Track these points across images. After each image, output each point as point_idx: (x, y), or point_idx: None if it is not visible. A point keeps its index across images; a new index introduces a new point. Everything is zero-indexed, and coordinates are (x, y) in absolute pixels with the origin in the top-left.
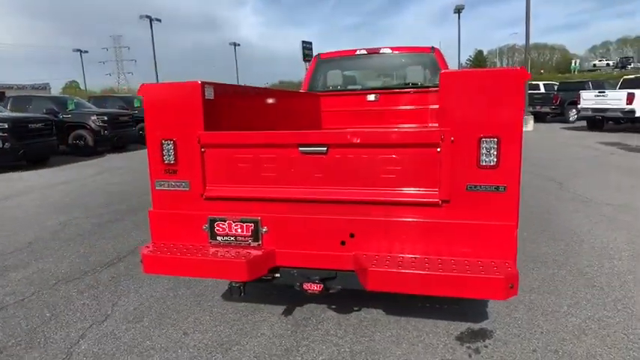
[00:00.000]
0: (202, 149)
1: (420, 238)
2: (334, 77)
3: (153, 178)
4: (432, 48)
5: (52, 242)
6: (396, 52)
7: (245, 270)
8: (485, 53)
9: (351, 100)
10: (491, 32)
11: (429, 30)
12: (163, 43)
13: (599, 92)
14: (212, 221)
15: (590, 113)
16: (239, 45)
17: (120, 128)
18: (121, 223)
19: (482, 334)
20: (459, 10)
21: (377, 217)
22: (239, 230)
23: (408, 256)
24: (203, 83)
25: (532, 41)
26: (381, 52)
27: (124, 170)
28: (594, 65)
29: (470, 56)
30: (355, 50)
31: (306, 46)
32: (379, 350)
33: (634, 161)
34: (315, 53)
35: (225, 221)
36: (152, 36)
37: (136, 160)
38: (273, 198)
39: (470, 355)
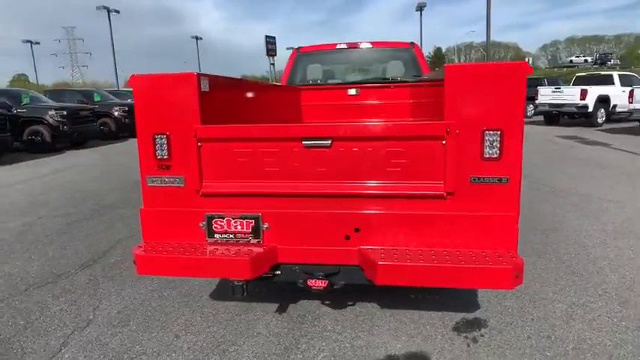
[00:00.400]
0: (199, 144)
1: (425, 231)
2: (314, 71)
3: (144, 174)
4: (412, 43)
5: (17, 245)
6: (376, 47)
7: (248, 268)
8: (443, 50)
9: (332, 94)
10: (449, 30)
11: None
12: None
13: (556, 88)
14: (210, 218)
15: (547, 108)
16: (201, 39)
17: (80, 124)
18: (91, 222)
19: (478, 324)
20: (420, 8)
21: (382, 210)
22: (238, 227)
23: (414, 249)
24: (199, 75)
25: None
26: (361, 46)
27: (87, 167)
28: (571, 61)
29: (430, 53)
30: (335, 44)
31: (270, 41)
32: (379, 344)
33: (592, 153)
34: (278, 48)
35: (223, 218)
36: (110, 28)
37: (99, 157)
38: (275, 193)
39: (468, 345)
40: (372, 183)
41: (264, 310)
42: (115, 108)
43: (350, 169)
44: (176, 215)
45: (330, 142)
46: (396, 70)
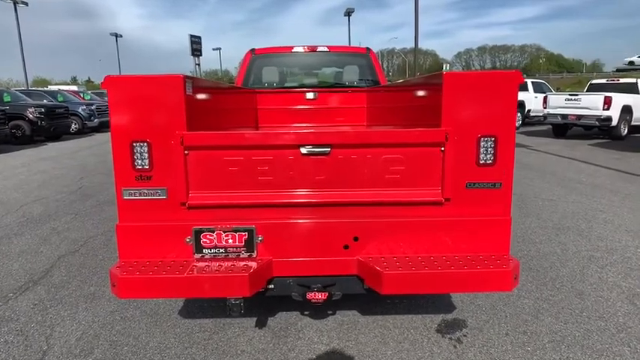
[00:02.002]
0: (186, 152)
1: (423, 237)
2: (270, 74)
3: (119, 186)
4: (367, 49)
5: None
6: (333, 51)
7: (247, 284)
8: None
9: (289, 98)
10: (372, 36)
11: (315, 30)
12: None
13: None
14: (197, 232)
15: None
16: (121, 36)
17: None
18: (21, 237)
19: (458, 324)
20: (349, 13)
21: (381, 218)
22: (230, 241)
23: (413, 255)
24: (185, 77)
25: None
26: (318, 50)
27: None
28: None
29: None
30: (292, 47)
31: (195, 41)
32: (370, 352)
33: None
34: (203, 48)
35: (213, 232)
36: (17, 22)
37: (22, 162)
38: (270, 203)
39: (455, 346)
40: (372, 190)
41: (242, 325)
42: (30, 109)
43: (349, 176)
44: (158, 230)
45: (329, 149)
46: (353, 74)
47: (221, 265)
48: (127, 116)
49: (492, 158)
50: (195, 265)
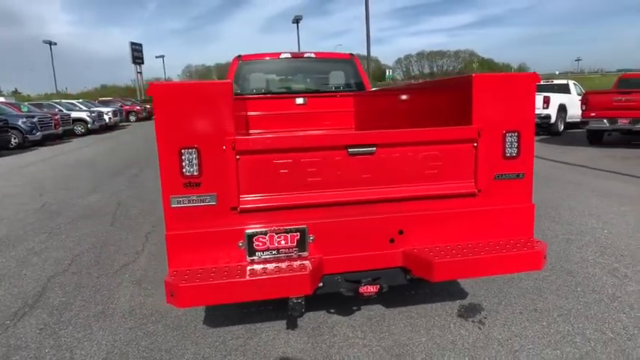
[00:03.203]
0: (237, 157)
1: (459, 227)
2: (257, 80)
3: (167, 194)
4: (351, 55)
5: None
6: (320, 57)
7: (309, 283)
8: None
9: (279, 104)
10: (316, 43)
11: (258, 37)
12: None
13: None
14: (250, 236)
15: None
16: (55, 44)
17: None
18: None
19: (475, 308)
20: (297, 20)
21: (422, 211)
22: (282, 242)
23: (453, 244)
24: (231, 82)
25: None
26: (305, 56)
27: None
28: None
29: None
30: (279, 53)
31: (136, 48)
32: (405, 341)
33: None
34: (145, 56)
35: (265, 234)
36: None
37: None
38: (320, 203)
39: (479, 327)
40: (413, 186)
41: (273, 328)
42: None
43: (392, 174)
44: (209, 237)
45: (374, 148)
46: (339, 79)
47: (278, 266)
48: (174, 123)
49: (516, 151)
50: (253, 269)
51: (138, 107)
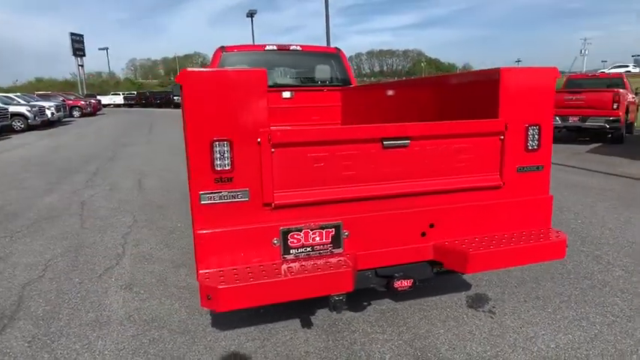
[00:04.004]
0: (272, 150)
1: (484, 219)
2: None
3: (196, 190)
4: (337, 49)
5: None
6: (306, 50)
7: (351, 280)
8: None
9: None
10: (266, 38)
11: (209, 31)
12: None
13: None
14: (285, 233)
15: None
16: None
17: None
18: None
19: (483, 299)
20: (251, 14)
21: (452, 204)
22: (317, 238)
23: (481, 237)
24: (266, 71)
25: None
26: (291, 48)
27: None
28: None
29: None
30: (264, 45)
31: (76, 39)
32: (425, 334)
33: None
34: (86, 47)
35: (300, 231)
36: None
37: None
38: (355, 198)
39: (491, 317)
40: (444, 179)
41: (288, 328)
42: None
43: (425, 167)
44: (241, 235)
45: (408, 141)
46: (325, 73)
47: (316, 264)
48: (206, 113)
49: (537, 144)
50: (290, 267)
51: (82, 102)
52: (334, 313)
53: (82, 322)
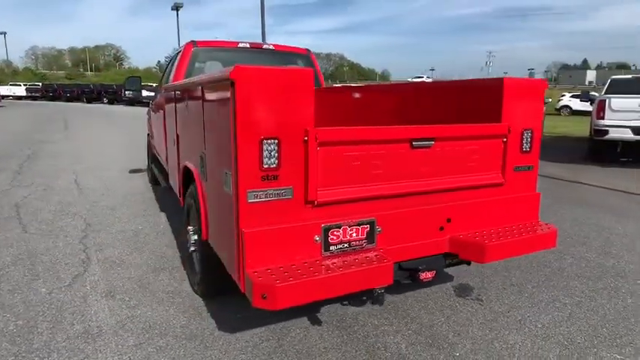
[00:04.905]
0: (318, 148)
1: (488, 214)
2: (214, 68)
3: (244, 188)
4: (308, 50)
5: None
6: (278, 50)
7: (392, 272)
8: None
9: None
10: (189, 34)
11: (120, 20)
12: None
13: None
14: (326, 230)
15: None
16: None
17: None
18: None
19: (467, 288)
20: (177, 7)
21: (464, 200)
22: (353, 235)
23: (487, 230)
24: (313, 70)
25: None
26: (264, 47)
27: None
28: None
29: (169, 54)
30: (237, 42)
31: None
32: (429, 323)
33: None
34: None
35: (340, 227)
36: None
37: None
38: (386, 195)
39: (480, 304)
40: (459, 177)
41: (298, 326)
42: None
43: (444, 165)
44: (286, 232)
45: (433, 142)
46: None
47: (357, 259)
48: (257, 111)
49: (530, 146)
50: (334, 263)
51: None
52: (379, 304)
53: (69, 336)
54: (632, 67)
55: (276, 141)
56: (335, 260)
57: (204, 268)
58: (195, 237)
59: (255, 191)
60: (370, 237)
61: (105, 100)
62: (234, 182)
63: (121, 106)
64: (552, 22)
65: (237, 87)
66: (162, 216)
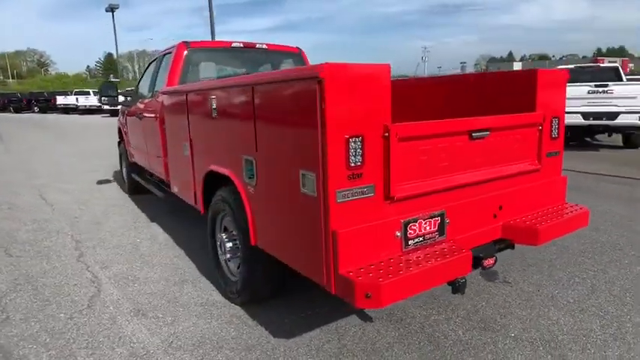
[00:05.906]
0: (398, 144)
1: (529, 199)
2: (208, 70)
3: (333, 189)
4: (299, 49)
5: None
6: (271, 49)
7: (470, 262)
8: (115, 57)
9: None
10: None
11: (42, 24)
12: None
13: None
14: (406, 224)
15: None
16: None
17: None
18: None
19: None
20: (112, 9)
21: (512, 187)
22: (427, 228)
23: (531, 214)
24: (389, 66)
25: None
26: (257, 47)
27: None
28: None
29: (99, 59)
30: (231, 42)
31: None
32: (473, 308)
33: None
34: None
35: (416, 221)
36: None
37: None
38: (452, 186)
39: (510, 286)
40: (507, 165)
41: (349, 324)
42: None
43: (497, 155)
44: (372, 230)
45: (489, 132)
46: None
47: (435, 252)
48: (344, 109)
49: (557, 133)
50: (418, 257)
51: None
52: (461, 293)
53: (113, 358)
54: (552, 58)
55: (361, 138)
56: (417, 254)
57: (249, 274)
58: (230, 244)
59: (343, 191)
60: (441, 229)
61: (36, 109)
62: (320, 183)
63: (55, 114)
64: (478, 17)
65: (326, 85)
66: (156, 227)
